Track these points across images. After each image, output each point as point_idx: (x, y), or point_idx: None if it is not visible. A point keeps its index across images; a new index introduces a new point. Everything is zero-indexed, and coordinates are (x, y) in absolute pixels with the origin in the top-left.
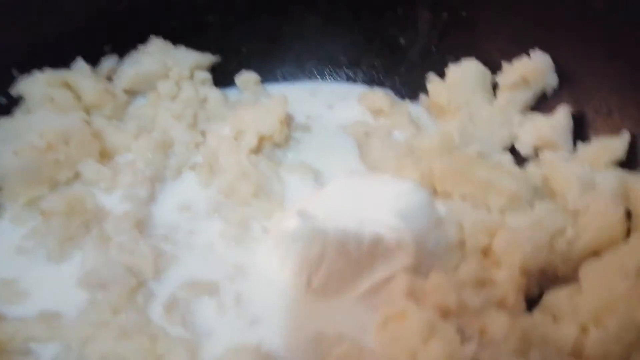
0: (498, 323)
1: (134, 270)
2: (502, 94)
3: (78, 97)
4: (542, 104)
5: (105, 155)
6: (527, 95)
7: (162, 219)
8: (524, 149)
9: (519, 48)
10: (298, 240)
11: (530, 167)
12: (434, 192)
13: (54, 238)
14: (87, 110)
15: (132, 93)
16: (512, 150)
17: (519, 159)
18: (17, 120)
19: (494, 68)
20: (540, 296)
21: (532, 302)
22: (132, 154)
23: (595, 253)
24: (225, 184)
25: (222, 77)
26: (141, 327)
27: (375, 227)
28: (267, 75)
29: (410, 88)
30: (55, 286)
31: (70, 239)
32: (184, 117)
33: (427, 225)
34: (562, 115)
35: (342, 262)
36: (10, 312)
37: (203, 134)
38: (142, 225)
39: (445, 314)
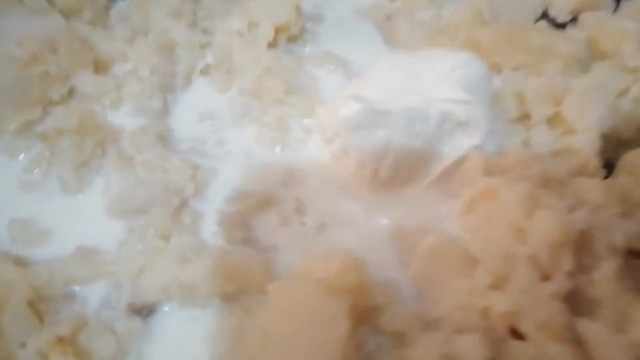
0: (593, 188)
1: (171, 188)
2: None
3: (50, 1)
4: None
5: (100, 67)
6: None
7: (184, 132)
8: (560, 15)
9: None
10: (360, 127)
11: (571, 32)
12: None
13: (64, 165)
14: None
15: None
16: (546, 19)
17: (556, 27)
18: None
19: None
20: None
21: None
22: (131, 62)
23: None
24: (249, 84)
25: None
26: (200, 248)
27: (442, 102)
28: None
29: None
30: (81, 219)
31: (84, 164)
32: (182, 14)
33: (489, 99)
34: None
35: (410, 147)
36: (37, 255)
37: (206, 32)
38: (164, 139)
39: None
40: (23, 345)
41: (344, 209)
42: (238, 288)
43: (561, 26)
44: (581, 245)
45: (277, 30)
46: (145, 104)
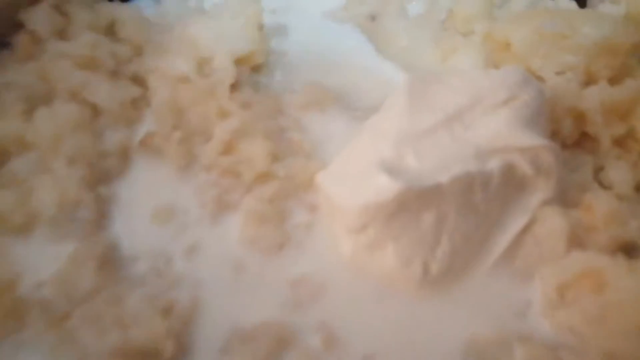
0: None
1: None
2: None
3: None
4: None
5: None
6: None
7: (136, 245)
8: None
9: None
10: (401, 213)
11: (605, 8)
12: None
13: None
14: None
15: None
16: None
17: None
18: None
19: None
20: None
21: None
22: (34, 150)
23: None
24: (217, 155)
25: None
26: None
27: (501, 153)
28: None
29: None
30: None
31: None
32: (96, 62)
33: (548, 127)
34: None
35: (468, 222)
36: None
37: (138, 81)
38: (107, 265)
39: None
40: None
41: (394, 329)
42: None
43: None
44: None
45: (237, 63)
46: (66, 217)
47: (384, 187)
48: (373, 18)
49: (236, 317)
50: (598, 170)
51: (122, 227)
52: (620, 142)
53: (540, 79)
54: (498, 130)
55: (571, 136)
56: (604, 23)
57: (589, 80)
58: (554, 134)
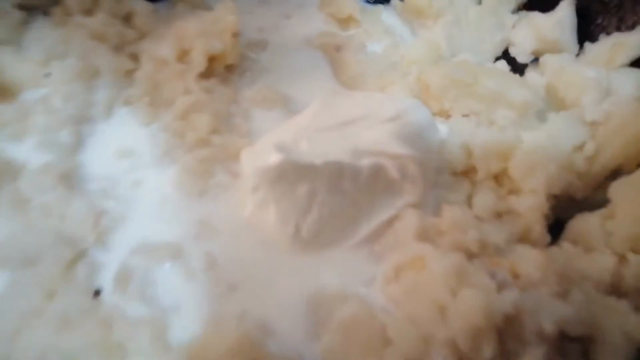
0: (531, 261)
1: (68, 237)
2: None
3: None
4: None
5: (5, 94)
6: None
7: (96, 169)
8: (520, 55)
9: None
10: (281, 180)
11: (531, 75)
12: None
13: None
14: None
15: (28, 9)
16: (506, 58)
17: (515, 67)
18: None
19: None
20: (557, 224)
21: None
22: (44, 88)
23: (620, 170)
24: (174, 120)
25: None
26: (87, 310)
27: (374, 156)
28: None
29: None
30: None
31: None
32: (107, 36)
33: (431, 151)
34: (564, 11)
35: (336, 203)
36: None
37: (134, 57)
38: (69, 179)
39: (468, 255)
40: None
41: (260, 269)
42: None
43: (521, 67)
44: (507, 330)
45: (211, 60)
46: (53, 137)
47: (271, 158)
48: (338, 49)
49: (146, 232)
50: (472, 195)
51: (90, 155)
52: (496, 178)
53: (448, 117)
54: (377, 138)
55: (460, 166)
56: (502, 80)
57: (490, 125)
58: (446, 163)
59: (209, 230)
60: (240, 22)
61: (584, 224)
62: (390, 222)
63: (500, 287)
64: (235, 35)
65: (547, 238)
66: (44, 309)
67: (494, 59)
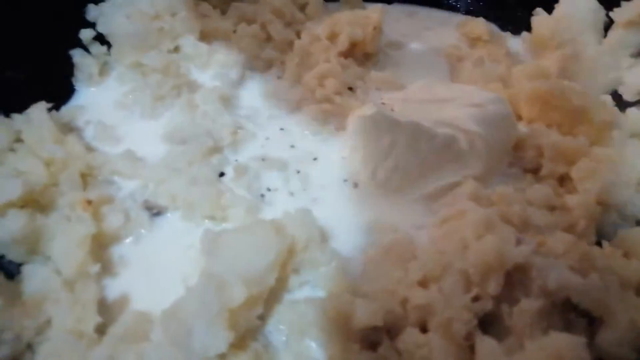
0: (561, 240)
1: (213, 136)
2: (614, 32)
3: None
4: None
5: (205, 36)
6: None
7: (247, 101)
8: (627, 94)
9: None
10: (370, 128)
11: (632, 111)
12: (518, 118)
13: (149, 96)
14: None
15: None
16: (614, 95)
17: (620, 104)
18: None
19: (609, 5)
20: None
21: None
22: (230, 39)
23: None
24: (311, 79)
25: None
26: (210, 181)
27: (451, 129)
28: None
29: (514, 24)
30: (143, 137)
31: (162, 98)
32: (283, 15)
33: (503, 140)
34: None
35: (411, 158)
36: (102, 149)
37: (297, 33)
38: (227, 102)
39: (506, 222)
40: (64, 194)
41: (341, 194)
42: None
43: (626, 104)
44: (515, 276)
45: (353, 44)
46: (225, 72)
47: (365, 110)
48: (460, 60)
49: (265, 150)
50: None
51: (245, 91)
52: (560, 179)
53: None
54: (457, 115)
55: (530, 164)
56: (588, 100)
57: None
58: (520, 159)
59: (311, 159)
60: (386, 26)
61: (631, 234)
62: (451, 187)
63: (520, 242)
64: (376, 29)
65: (593, 237)
66: (184, 170)
67: (601, 94)
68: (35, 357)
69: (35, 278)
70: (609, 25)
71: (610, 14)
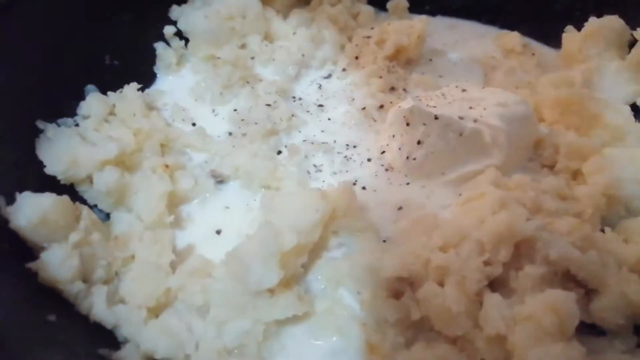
0: (566, 221)
1: (272, 120)
2: (636, 50)
3: None
4: None
5: (269, 37)
6: None
7: (301, 93)
8: None
9: None
10: (407, 119)
11: None
12: (541, 120)
13: (218, 84)
14: (262, 2)
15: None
16: (633, 106)
17: (638, 114)
18: None
19: (634, 25)
20: None
21: None
22: (290, 42)
23: None
24: (360, 78)
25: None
26: (268, 157)
27: (478, 123)
28: (416, 6)
29: (548, 38)
30: (212, 119)
31: (229, 87)
32: (337, 21)
33: (524, 137)
34: None
35: (440, 147)
36: (177, 126)
37: (349, 38)
38: (285, 94)
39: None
40: (147, 158)
41: (376, 175)
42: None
43: None
44: (522, 247)
45: (398, 50)
46: (284, 68)
47: (405, 103)
48: (494, 68)
49: (315, 134)
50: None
51: (301, 85)
52: (573, 174)
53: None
54: (484, 113)
55: (547, 160)
56: (604, 106)
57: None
58: (539, 155)
59: (353, 145)
60: (429, 35)
61: (633, 223)
62: (475, 174)
63: (529, 219)
64: (420, 37)
65: (597, 225)
66: (246, 146)
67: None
68: (121, 283)
69: (122, 223)
70: (632, 43)
71: (634, 33)
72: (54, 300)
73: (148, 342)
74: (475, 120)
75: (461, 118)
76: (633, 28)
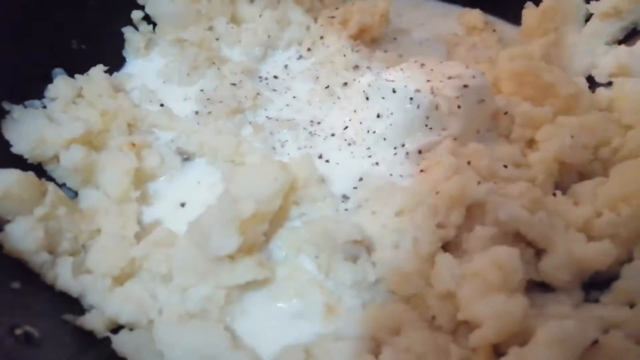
0: (517, 185)
1: (237, 100)
2: (592, 23)
3: None
4: (631, 39)
5: (235, 20)
6: (616, 27)
7: (267, 73)
8: (599, 76)
9: None
10: (367, 93)
11: (601, 90)
12: (500, 92)
13: (185, 66)
14: None
15: None
16: (589, 78)
17: (592, 85)
18: None
19: None
20: None
21: None
22: (256, 24)
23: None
24: (324, 57)
25: None
26: (233, 133)
27: (434, 96)
28: None
29: (509, 15)
30: (179, 99)
31: (196, 68)
32: (303, 2)
33: (480, 107)
34: None
35: (400, 119)
36: (145, 107)
37: (315, 19)
38: (251, 73)
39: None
40: (114, 138)
41: (339, 148)
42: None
43: (597, 85)
44: (473, 209)
45: (362, 29)
46: (250, 49)
47: (365, 77)
48: (456, 45)
49: (280, 112)
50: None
51: (266, 65)
52: (529, 142)
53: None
54: (440, 85)
55: (504, 130)
56: (557, 76)
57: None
58: (496, 126)
59: (317, 121)
60: (394, 15)
61: (582, 187)
62: (434, 144)
63: (480, 182)
64: (383, 17)
65: (550, 190)
66: (211, 124)
67: (578, 76)
68: (88, 255)
69: (89, 198)
70: (588, 17)
71: (589, 7)
72: (20, 270)
73: (112, 308)
74: (432, 93)
75: (418, 91)
76: (588, 2)
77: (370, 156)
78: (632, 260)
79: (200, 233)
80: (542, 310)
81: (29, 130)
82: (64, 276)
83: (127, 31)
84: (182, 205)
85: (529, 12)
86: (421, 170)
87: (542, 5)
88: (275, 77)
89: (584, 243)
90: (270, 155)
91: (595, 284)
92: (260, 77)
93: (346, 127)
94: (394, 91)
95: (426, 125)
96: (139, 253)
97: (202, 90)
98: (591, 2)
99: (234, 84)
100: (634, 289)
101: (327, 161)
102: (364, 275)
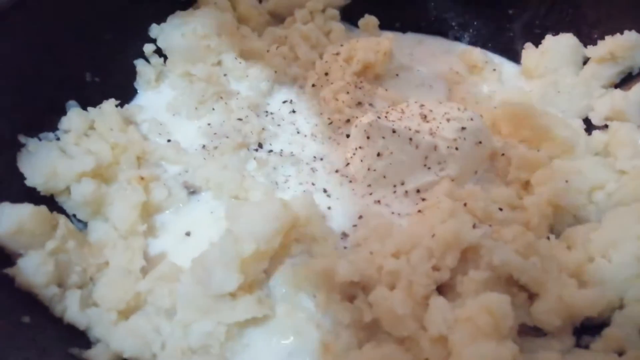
0: (512, 229)
1: (242, 134)
2: (589, 66)
3: (234, 6)
4: (627, 83)
5: (243, 55)
6: (612, 71)
7: (273, 108)
8: (595, 119)
9: (616, 27)
10: (368, 133)
11: (596, 133)
12: (498, 133)
13: (194, 100)
14: (238, 20)
15: (274, 16)
16: (585, 120)
17: (590, 127)
18: (189, 13)
19: (587, 43)
20: None
21: None
22: (263, 59)
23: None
24: (328, 93)
25: (349, 17)
26: (237, 168)
27: (433, 137)
28: (387, 23)
29: (509, 54)
30: (187, 132)
31: (204, 102)
32: (309, 39)
33: (478, 149)
34: (638, 90)
35: (399, 159)
36: (154, 140)
37: (320, 55)
38: (257, 108)
39: (471, 214)
40: (123, 170)
41: (341, 185)
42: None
43: (593, 128)
44: (468, 253)
45: (366, 66)
46: (257, 84)
47: (366, 117)
48: (458, 83)
49: (283, 147)
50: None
51: (272, 100)
52: (524, 185)
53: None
54: (440, 126)
55: (501, 171)
56: (552, 120)
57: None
58: (494, 167)
59: (320, 158)
60: (398, 51)
61: (576, 232)
62: (432, 184)
63: (475, 227)
64: (386, 54)
65: (545, 233)
66: (217, 159)
67: (574, 118)
68: (95, 288)
69: (98, 231)
70: (586, 60)
71: (586, 50)
72: (30, 304)
73: (117, 342)
74: (431, 134)
75: (418, 132)
76: (586, 46)
77: (371, 194)
78: (622, 307)
79: (203, 270)
80: (532, 356)
81: (43, 163)
82: (72, 309)
83: (139, 64)
84: (187, 235)
85: (529, 53)
86: (419, 211)
87: (541, 46)
88: (281, 112)
89: (575, 289)
90: (272, 192)
91: (588, 328)
92: (266, 112)
93: (348, 164)
94: (394, 132)
95: (425, 165)
96: (144, 287)
97: (209, 124)
98: (588, 46)
99: (240, 119)
100: (624, 336)
101: (328, 196)
102: (360, 315)
